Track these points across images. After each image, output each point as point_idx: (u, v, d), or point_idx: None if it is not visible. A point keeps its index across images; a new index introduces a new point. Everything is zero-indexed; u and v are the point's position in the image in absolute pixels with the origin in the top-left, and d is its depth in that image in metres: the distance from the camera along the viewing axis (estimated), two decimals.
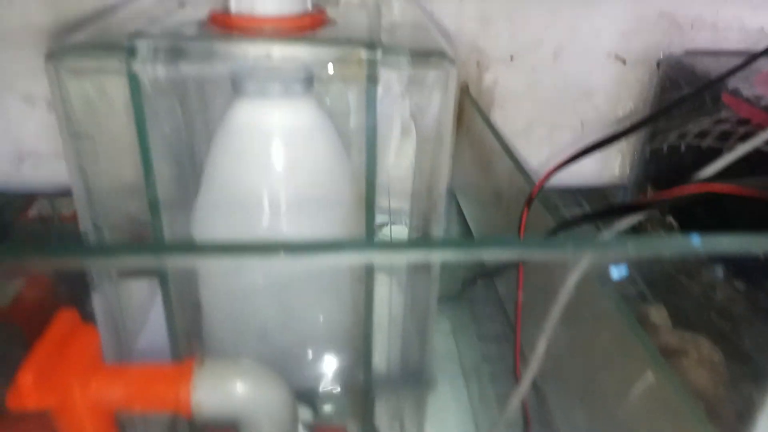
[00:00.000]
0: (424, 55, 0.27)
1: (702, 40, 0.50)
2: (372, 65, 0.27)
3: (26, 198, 0.51)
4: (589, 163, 0.52)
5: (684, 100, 0.47)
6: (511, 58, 0.50)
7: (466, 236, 0.47)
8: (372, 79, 0.27)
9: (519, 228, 0.33)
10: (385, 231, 0.36)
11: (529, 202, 0.33)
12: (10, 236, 0.49)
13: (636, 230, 0.53)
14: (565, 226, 0.28)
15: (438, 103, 0.27)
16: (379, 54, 0.27)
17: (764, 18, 0.50)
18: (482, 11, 0.49)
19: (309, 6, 0.31)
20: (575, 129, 0.52)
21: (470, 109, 0.48)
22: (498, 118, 0.51)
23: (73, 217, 0.50)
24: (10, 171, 0.50)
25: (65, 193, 0.48)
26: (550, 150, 0.52)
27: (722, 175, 0.29)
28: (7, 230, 0.49)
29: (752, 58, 0.33)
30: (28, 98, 0.49)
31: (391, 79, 0.27)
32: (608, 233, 0.27)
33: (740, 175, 0.27)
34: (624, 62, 0.51)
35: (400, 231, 0.37)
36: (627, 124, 0.52)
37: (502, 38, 0.49)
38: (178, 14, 0.33)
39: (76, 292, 0.42)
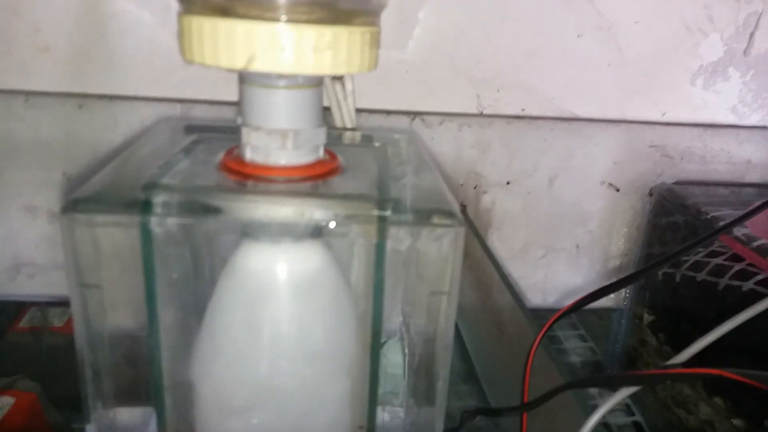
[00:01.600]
0: (433, 214, 0.28)
1: (692, 170, 0.51)
2: (382, 223, 0.27)
3: (19, 307, 0.50)
4: (585, 284, 0.53)
5: (677, 229, 0.48)
6: (508, 182, 0.51)
7: (465, 363, 0.46)
8: (382, 236, 0.27)
9: (524, 373, 0.32)
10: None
11: (532, 347, 0.33)
12: None
13: (632, 357, 0.53)
14: (570, 387, 0.28)
15: (446, 260, 0.28)
16: (389, 212, 0.27)
17: (750, 150, 0.52)
18: (480, 139, 0.50)
19: (321, 153, 0.32)
20: (570, 252, 0.53)
21: (468, 231, 0.49)
22: (495, 239, 0.52)
23: (66, 328, 0.49)
24: (5, 280, 0.49)
25: (59, 303, 0.48)
26: (545, 271, 0.53)
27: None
28: None
29: (760, 207, 0.34)
30: (30, 209, 0.49)
31: (400, 234, 0.28)
32: (611, 398, 0.26)
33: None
34: (617, 190, 0.52)
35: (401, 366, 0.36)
36: (622, 247, 0.53)
37: (500, 164, 0.51)
38: (195, 152, 0.33)
39: (66, 415, 0.41)
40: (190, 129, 0.38)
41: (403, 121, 0.50)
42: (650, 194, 0.52)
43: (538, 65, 0.49)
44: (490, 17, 0.47)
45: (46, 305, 0.50)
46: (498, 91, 0.50)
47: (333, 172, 0.31)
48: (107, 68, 0.46)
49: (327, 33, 0.27)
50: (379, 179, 0.31)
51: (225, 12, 0.27)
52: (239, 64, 0.27)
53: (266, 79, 0.29)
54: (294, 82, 0.30)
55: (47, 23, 0.45)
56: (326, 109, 0.46)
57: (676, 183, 0.51)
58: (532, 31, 0.48)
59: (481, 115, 0.50)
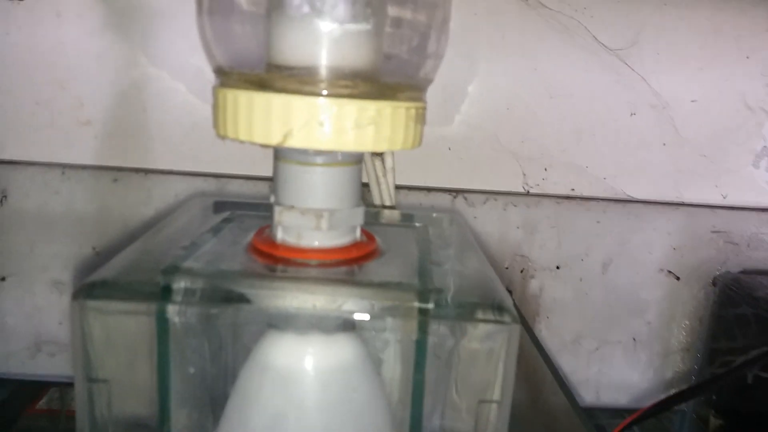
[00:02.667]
0: (482, 308, 0.24)
1: (760, 258, 0.47)
2: (424, 317, 0.24)
3: (37, 387, 0.47)
4: (642, 382, 0.48)
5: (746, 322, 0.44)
6: (558, 267, 0.48)
7: None
8: (423, 331, 0.24)
9: None
10: None
11: None
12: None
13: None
14: None
15: (497, 362, 0.24)
16: (431, 304, 0.24)
17: None
18: (527, 219, 0.47)
19: (358, 234, 0.29)
20: (626, 345, 0.48)
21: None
22: (543, 328, 0.48)
23: None
24: (25, 358, 0.47)
25: None
26: (599, 366, 0.48)
27: None
28: (11, 425, 0.45)
29: None
30: (56, 284, 0.47)
31: (443, 330, 0.24)
32: None
33: None
34: (677, 278, 0.48)
35: None
36: (683, 341, 0.48)
37: (548, 247, 0.47)
38: (224, 231, 0.31)
39: None
40: (221, 206, 0.36)
41: (445, 199, 0.47)
42: (714, 284, 0.48)
43: (589, 144, 0.47)
44: (537, 95, 0.45)
45: (66, 386, 0.48)
46: (546, 169, 0.47)
47: (370, 255, 0.29)
48: (145, 142, 0.45)
49: (370, 108, 0.25)
50: (420, 265, 0.28)
51: (262, 85, 0.26)
52: (275, 140, 0.25)
53: (302, 156, 0.28)
54: (332, 159, 0.28)
55: (91, 97, 0.45)
56: (364, 185, 0.44)
57: (743, 272, 0.47)
58: (581, 109, 0.46)
59: (527, 194, 0.47)
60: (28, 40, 0.44)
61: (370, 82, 0.27)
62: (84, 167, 0.46)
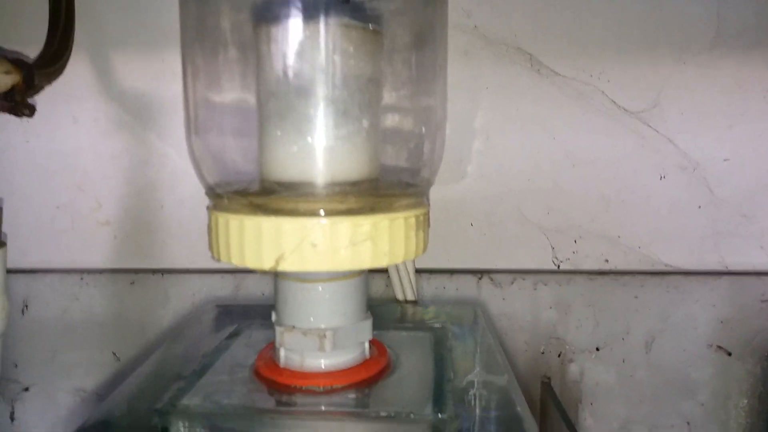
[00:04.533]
0: None
1: None
2: None
3: None
4: None
5: None
6: (598, 348, 0.45)
7: None
8: None
9: None
10: None
11: None
12: None
13: None
14: None
15: None
16: None
17: None
18: (560, 298, 0.45)
19: (367, 350, 0.28)
20: (680, 430, 0.45)
21: (554, 409, 0.42)
22: (588, 416, 0.45)
23: None
24: None
25: None
26: None
27: None
28: None
29: None
30: (78, 392, 0.47)
31: None
32: None
33: None
34: (729, 353, 0.44)
35: None
36: (743, 423, 0.44)
37: (585, 327, 0.45)
38: (229, 351, 0.30)
39: None
40: (229, 315, 0.35)
41: (470, 282, 0.45)
42: None
43: (618, 212, 0.44)
44: (559, 164, 0.44)
45: None
46: (575, 241, 0.45)
47: (381, 374, 0.27)
48: (163, 240, 0.45)
49: (364, 223, 0.24)
50: (435, 385, 0.26)
51: (255, 206, 0.25)
52: (267, 264, 0.24)
53: (301, 273, 0.26)
54: (332, 273, 0.26)
55: (108, 198, 0.45)
56: (383, 271, 0.43)
57: None
58: (607, 175, 0.44)
59: (558, 270, 0.45)
60: (46, 147, 0.45)
61: (366, 195, 0.26)
62: (101, 271, 0.46)
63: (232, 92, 0.28)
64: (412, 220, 0.25)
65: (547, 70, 0.44)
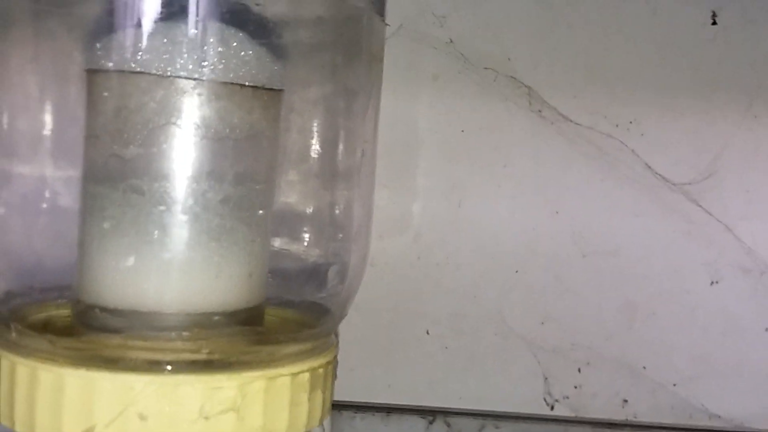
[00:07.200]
0: None
1: None
2: None
3: None
4: None
5: None
6: None
7: None
8: None
9: None
10: None
11: None
12: None
13: None
14: None
15: None
16: None
17: None
18: None
19: None
20: None
21: None
22: None
23: None
24: None
25: None
26: None
27: None
28: None
29: None
30: None
31: None
32: None
33: None
34: None
35: None
36: None
37: None
38: None
39: None
40: None
41: (415, 428, 0.45)
42: None
43: (647, 329, 0.45)
44: (562, 250, 0.45)
45: None
46: (579, 370, 0.46)
47: None
48: None
49: (227, 385, 0.24)
50: None
51: (60, 352, 0.25)
52: None
53: None
54: None
55: None
56: None
57: None
58: (633, 273, 0.45)
59: (551, 416, 0.45)
60: None
61: (236, 336, 0.25)
62: None
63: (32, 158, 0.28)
64: (305, 377, 0.26)
65: (552, 112, 0.44)
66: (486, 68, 0.44)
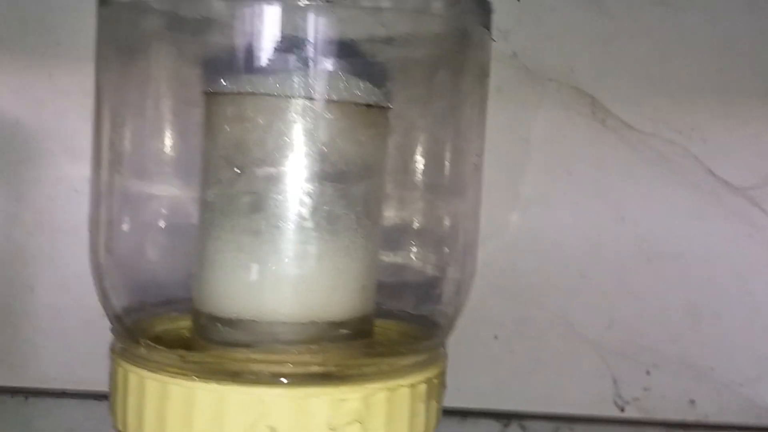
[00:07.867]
0: None
1: None
2: None
3: None
4: None
5: None
6: None
7: None
8: None
9: None
10: None
11: None
12: None
13: None
14: None
15: None
16: None
17: None
18: None
19: None
20: None
21: None
22: None
23: None
24: None
25: None
26: None
27: None
28: None
29: None
30: None
31: None
32: None
33: None
34: None
35: None
36: None
37: None
38: None
39: None
40: None
41: (491, 430, 0.46)
42: None
43: (712, 331, 0.45)
44: (627, 255, 0.45)
45: None
46: (648, 372, 0.46)
47: None
48: (31, 340, 0.45)
49: (351, 396, 0.24)
50: None
51: (182, 359, 0.25)
52: None
53: None
54: None
55: None
56: None
57: None
58: (697, 276, 0.45)
59: (621, 418, 0.45)
60: None
61: (352, 345, 0.26)
62: None
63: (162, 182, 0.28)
64: (422, 388, 0.26)
65: (615, 120, 0.45)
66: (549, 79, 0.44)
